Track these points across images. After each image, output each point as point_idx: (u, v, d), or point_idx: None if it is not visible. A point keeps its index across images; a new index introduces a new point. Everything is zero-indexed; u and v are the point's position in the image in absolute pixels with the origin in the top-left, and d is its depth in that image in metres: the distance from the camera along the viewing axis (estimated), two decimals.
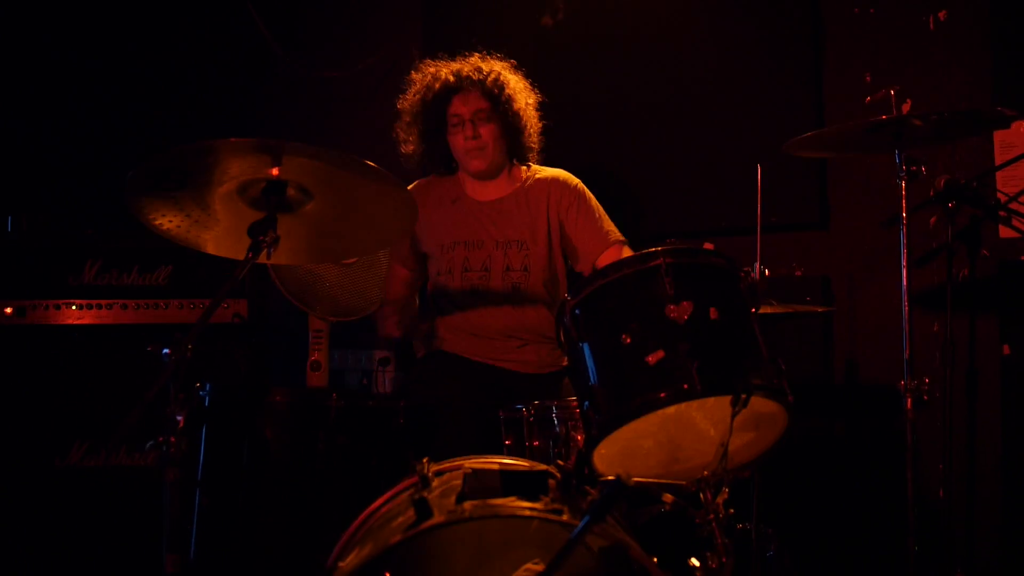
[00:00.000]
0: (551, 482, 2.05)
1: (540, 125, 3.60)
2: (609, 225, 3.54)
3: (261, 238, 2.46)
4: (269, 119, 4.87)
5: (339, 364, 4.50)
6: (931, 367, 3.61)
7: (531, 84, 3.65)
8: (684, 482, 2.33)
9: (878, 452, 3.76)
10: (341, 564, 2.03)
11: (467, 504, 1.94)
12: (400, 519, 1.99)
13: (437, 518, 1.90)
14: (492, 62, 3.53)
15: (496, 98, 3.43)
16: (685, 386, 2.20)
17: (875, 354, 3.90)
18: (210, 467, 2.77)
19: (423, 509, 1.92)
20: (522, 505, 1.93)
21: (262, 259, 2.47)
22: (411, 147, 3.59)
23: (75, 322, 3.79)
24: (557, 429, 2.75)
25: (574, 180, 3.61)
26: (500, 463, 2.23)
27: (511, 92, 3.47)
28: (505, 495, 1.98)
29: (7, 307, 3.79)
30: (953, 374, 3.52)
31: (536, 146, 3.60)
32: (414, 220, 2.69)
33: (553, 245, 3.52)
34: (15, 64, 4.76)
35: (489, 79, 3.44)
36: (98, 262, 3.83)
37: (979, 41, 3.74)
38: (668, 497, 2.36)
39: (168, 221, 2.61)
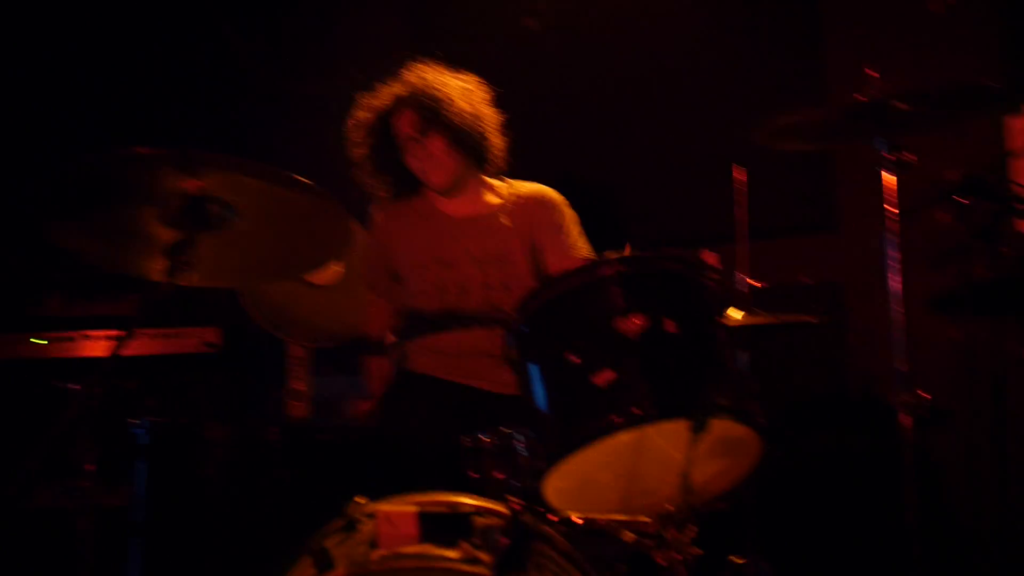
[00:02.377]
0: (477, 524, 1.81)
1: (498, 122, 3.30)
2: (579, 240, 3.28)
3: (178, 259, 2.25)
4: (247, 137, 4.66)
5: (332, 392, 4.28)
6: (952, 377, 3.31)
7: (495, 85, 3.34)
8: (647, 518, 2.08)
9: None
10: None
11: (374, 554, 1.70)
12: (302, 571, 1.76)
13: (338, 571, 1.67)
14: (427, 71, 3.26)
15: (432, 108, 3.17)
16: (636, 410, 1.95)
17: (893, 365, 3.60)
18: (150, 507, 2.57)
19: (323, 560, 1.70)
20: (436, 554, 1.70)
21: (184, 281, 2.28)
22: (372, 179, 3.36)
23: (38, 356, 3.62)
24: (520, 459, 2.49)
25: (556, 197, 3.35)
26: (442, 501, 1.98)
27: (448, 97, 3.20)
28: (421, 541, 1.74)
29: None
30: (976, 384, 3.25)
31: (498, 147, 3.30)
32: (350, 237, 2.47)
33: (535, 263, 3.27)
34: None
35: (419, 91, 3.20)
36: (62, 292, 3.66)
37: (987, 24, 3.47)
38: (628, 536, 2.09)
39: (88, 244, 2.41)
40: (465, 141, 3.21)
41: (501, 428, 2.56)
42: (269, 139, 4.51)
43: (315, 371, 3.94)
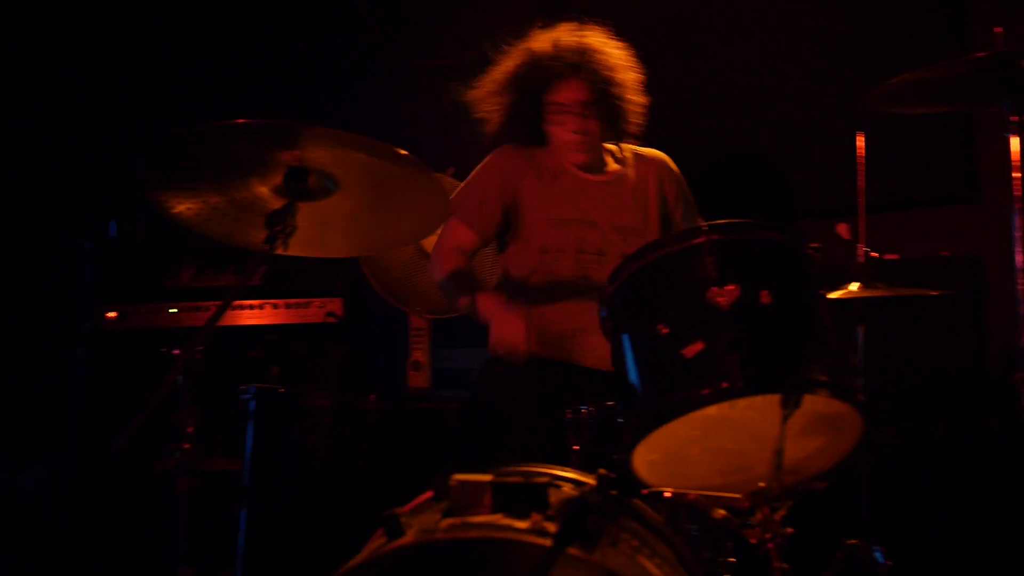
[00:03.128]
0: (554, 495, 1.77)
1: (643, 101, 3.15)
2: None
3: (277, 228, 2.29)
4: (370, 108, 4.70)
5: (464, 364, 4.31)
6: None
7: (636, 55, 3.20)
8: (738, 495, 2.00)
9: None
10: None
11: (444, 522, 1.69)
12: (376, 540, 1.77)
13: (407, 538, 1.67)
14: (594, 37, 3.09)
15: (602, 86, 3.02)
16: (724, 383, 1.88)
17: None
18: (256, 474, 2.62)
19: (394, 528, 1.69)
20: (504, 523, 1.66)
21: (282, 250, 2.32)
22: (495, 120, 3.19)
23: (173, 325, 3.76)
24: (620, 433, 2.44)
25: (672, 162, 3.27)
26: (521, 471, 1.95)
27: (617, 76, 3.05)
28: (494, 511, 1.71)
29: (111, 311, 3.79)
30: None
31: (638, 124, 3.17)
32: (447, 211, 2.44)
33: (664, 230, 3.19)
34: (110, 70, 4.79)
35: (593, 64, 3.02)
36: (194, 264, 3.78)
37: None
38: (719, 513, 2.01)
39: (195, 213, 2.47)
40: (617, 118, 3.11)
41: (604, 402, 2.54)
42: (396, 112, 4.55)
43: (436, 343, 3.97)
